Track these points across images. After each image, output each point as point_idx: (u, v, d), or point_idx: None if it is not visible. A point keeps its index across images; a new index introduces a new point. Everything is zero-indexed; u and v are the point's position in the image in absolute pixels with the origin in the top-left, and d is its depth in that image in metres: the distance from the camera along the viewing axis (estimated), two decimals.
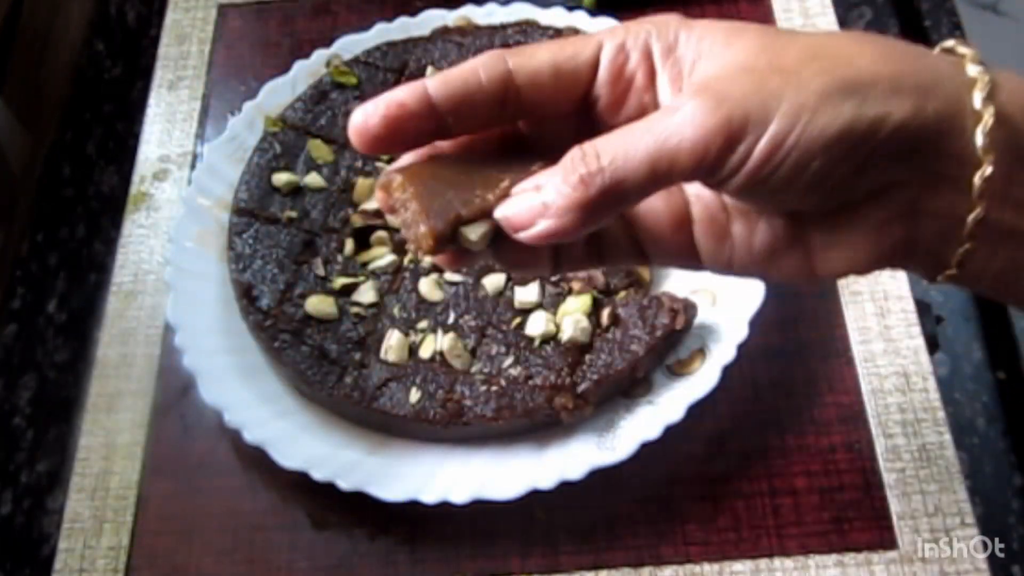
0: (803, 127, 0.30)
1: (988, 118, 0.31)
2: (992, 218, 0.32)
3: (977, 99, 0.31)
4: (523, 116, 0.35)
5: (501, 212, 0.32)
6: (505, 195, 0.32)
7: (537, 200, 0.31)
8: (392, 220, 0.33)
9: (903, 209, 0.32)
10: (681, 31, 0.33)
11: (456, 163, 0.34)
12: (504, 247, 0.33)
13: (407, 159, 0.35)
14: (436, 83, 0.33)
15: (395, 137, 0.33)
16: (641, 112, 0.34)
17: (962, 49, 0.33)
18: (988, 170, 0.31)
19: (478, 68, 0.33)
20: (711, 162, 0.30)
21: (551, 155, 0.33)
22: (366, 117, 0.33)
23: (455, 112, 0.33)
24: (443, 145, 0.35)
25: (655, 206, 0.35)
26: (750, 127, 0.30)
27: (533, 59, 0.34)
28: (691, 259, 0.36)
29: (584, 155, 0.31)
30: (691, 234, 0.35)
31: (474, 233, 0.32)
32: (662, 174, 0.30)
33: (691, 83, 0.32)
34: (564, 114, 0.35)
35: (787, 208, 0.33)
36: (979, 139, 0.31)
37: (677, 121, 0.30)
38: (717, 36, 0.33)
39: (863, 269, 0.34)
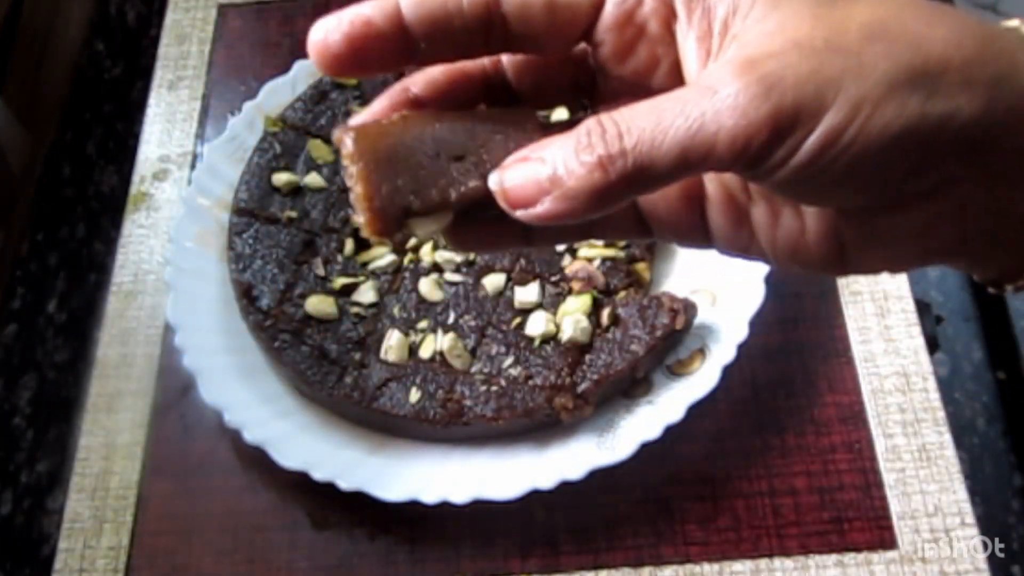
0: (862, 122, 0.26)
1: None
2: None
3: None
4: (508, 50, 0.31)
5: (498, 182, 0.28)
6: (491, 166, 0.29)
7: (543, 174, 0.27)
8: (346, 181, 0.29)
9: (955, 207, 0.29)
10: None
11: (431, 121, 0.29)
12: (463, 234, 0.30)
13: (378, 106, 0.31)
14: (410, 0, 0.29)
15: (358, 57, 0.29)
16: (652, 66, 0.30)
17: None
18: None
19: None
20: (752, 157, 0.26)
21: (544, 107, 0.30)
22: (326, 33, 0.29)
23: (429, 36, 0.29)
24: (420, 91, 0.31)
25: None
26: (802, 119, 0.26)
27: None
28: (700, 238, 0.33)
29: (605, 131, 0.27)
30: (703, 212, 0.32)
31: (424, 229, 0.29)
32: (694, 164, 0.26)
33: (734, 56, 0.27)
34: (558, 56, 0.31)
35: (828, 205, 0.30)
36: None
37: (717, 107, 0.26)
38: None
39: (903, 267, 0.31)
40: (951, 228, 0.29)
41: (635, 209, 0.32)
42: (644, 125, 0.26)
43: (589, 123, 0.27)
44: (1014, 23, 0.30)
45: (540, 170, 0.27)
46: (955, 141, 0.27)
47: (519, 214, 0.28)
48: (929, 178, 0.28)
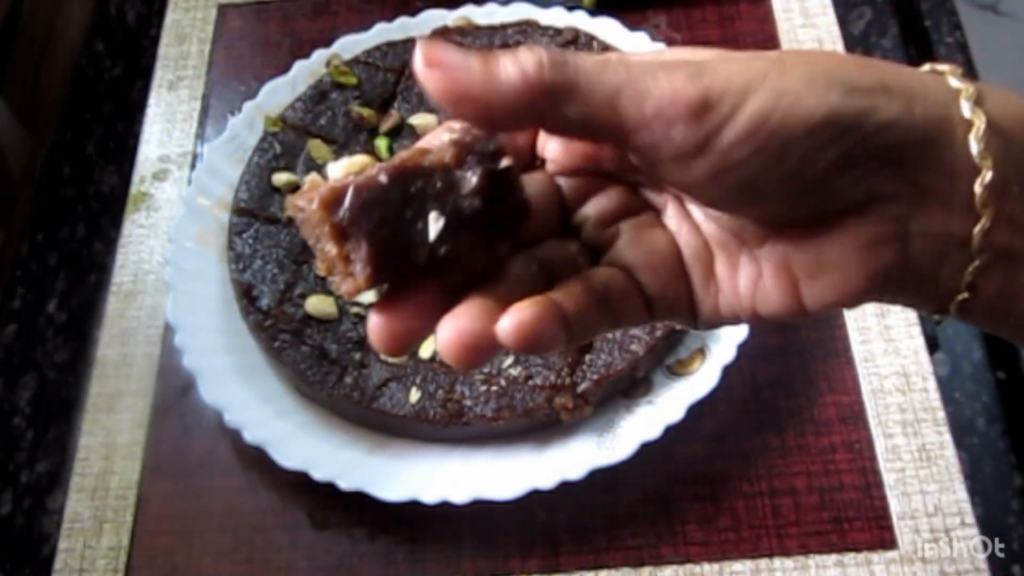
0: (786, 108, 0.28)
1: (980, 123, 0.29)
2: (989, 236, 0.30)
3: (966, 107, 0.30)
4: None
5: (425, 50, 0.28)
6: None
7: (476, 68, 0.28)
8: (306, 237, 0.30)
9: (892, 228, 0.30)
10: None
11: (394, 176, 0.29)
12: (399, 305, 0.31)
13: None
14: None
15: None
16: None
17: (942, 67, 0.31)
18: (988, 176, 0.29)
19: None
20: (682, 117, 0.28)
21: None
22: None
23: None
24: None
25: (656, 246, 0.33)
26: (728, 97, 0.28)
27: None
28: (689, 310, 0.33)
29: (553, 55, 0.28)
30: (688, 278, 0.33)
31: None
32: (621, 110, 0.28)
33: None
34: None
35: (766, 212, 0.31)
36: (974, 146, 0.29)
37: (656, 74, 0.28)
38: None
39: (854, 298, 0.31)
40: (894, 250, 0.30)
41: (640, 291, 0.33)
42: (589, 59, 0.28)
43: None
44: (927, 67, 0.32)
45: (473, 64, 0.28)
46: (876, 138, 0.28)
47: (435, 76, 0.28)
48: (855, 180, 0.29)
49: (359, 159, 0.29)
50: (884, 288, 0.31)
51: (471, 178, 0.29)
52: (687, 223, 0.33)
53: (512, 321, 0.28)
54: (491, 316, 0.29)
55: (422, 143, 0.30)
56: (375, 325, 0.30)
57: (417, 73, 0.28)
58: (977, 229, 0.30)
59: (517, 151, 0.33)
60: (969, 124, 0.29)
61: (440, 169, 0.29)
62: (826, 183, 0.29)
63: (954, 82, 0.31)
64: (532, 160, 0.34)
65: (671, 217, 0.33)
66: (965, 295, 0.31)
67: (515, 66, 0.28)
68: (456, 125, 0.30)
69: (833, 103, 0.28)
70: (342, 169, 0.30)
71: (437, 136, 0.30)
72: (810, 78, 0.28)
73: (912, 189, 0.30)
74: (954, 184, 0.30)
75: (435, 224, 0.28)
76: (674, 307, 0.33)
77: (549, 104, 0.28)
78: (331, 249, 0.28)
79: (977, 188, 0.30)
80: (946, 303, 0.32)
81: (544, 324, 0.29)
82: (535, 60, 0.28)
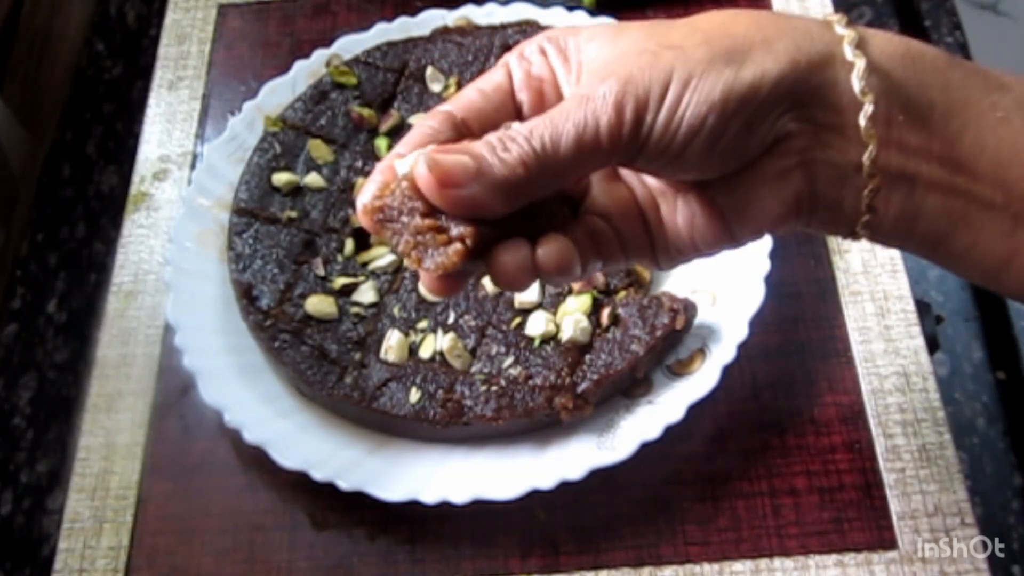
0: (692, 92, 0.34)
1: (860, 64, 0.34)
2: (880, 161, 0.35)
3: (848, 51, 0.35)
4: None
5: (429, 162, 0.33)
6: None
7: (471, 165, 0.33)
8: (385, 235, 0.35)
9: (797, 160, 0.35)
10: (569, 38, 0.38)
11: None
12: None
13: (422, 133, 0.37)
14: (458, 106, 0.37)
15: None
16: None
17: (832, 17, 0.36)
18: (869, 109, 0.34)
19: (433, 134, 0.36)
20: (626, 141, 0.34)
21: None
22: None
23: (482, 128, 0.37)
24: (462, 115, 0.38)
25: (621, 196, 0.39)
26: (652, 101, 0.34)
27: (463, 98, 0.38)
28: (651, 253, 0.40)
29: (515, 139, 0.34)
30: (648, 225, 0.39)
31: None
32: (586, 157, 0.34)
33: (593, 71, 0.36)
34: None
35: (695, 173, 0.36)
36: (855, 83, 0.34)
37: (594, 108, 0.34)
38: (605, 34, 0.37)
39: (772, 223, 0.37)
40: (801, 178, 0.36)
41: (616, 234, 0.39)
42: (544, 133, 0.34)
43: (499, 132, 0.34)
44: (831, 17, 0.36)
45: (468, 162, 0.34)
46: (771, 95, 0.34)
47: (440, 194, 0.33)
48: (761, 133, 0.35)
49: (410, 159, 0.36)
50: (798, 213, 0.37)
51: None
52: (635, 177, 0.39)
53: (547, 250, 0.35)
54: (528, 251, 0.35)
55: None
56: (494, 276, 0.36)
57: (432, 194, 0.34)
58: (866, 156, 0.35)
59: None
60: (851, 65, 0.34)
61: None
62: (738, 142, 0.35)
63: (839, 29, 0.35)
64: None
65: (624, 173, 0.39)
66: (867, 216, 0.36)
67: (501, 172, 0.34)
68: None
69: (728, 80, 0.34)
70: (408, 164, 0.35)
71: None
72: (708, 59, 0.34)
73: (810, 125, 0.35)
74: (843, 117, 0.35)
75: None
76: (641, 248, 0.39)
77: (540, 186, 0.35)
78: (421, 223, 0.33)
79: (861, 120, 0.34)
80: (853, 226, 0.37)
81: (569, 251, 0.36)
82: (516, 162, 0.34)
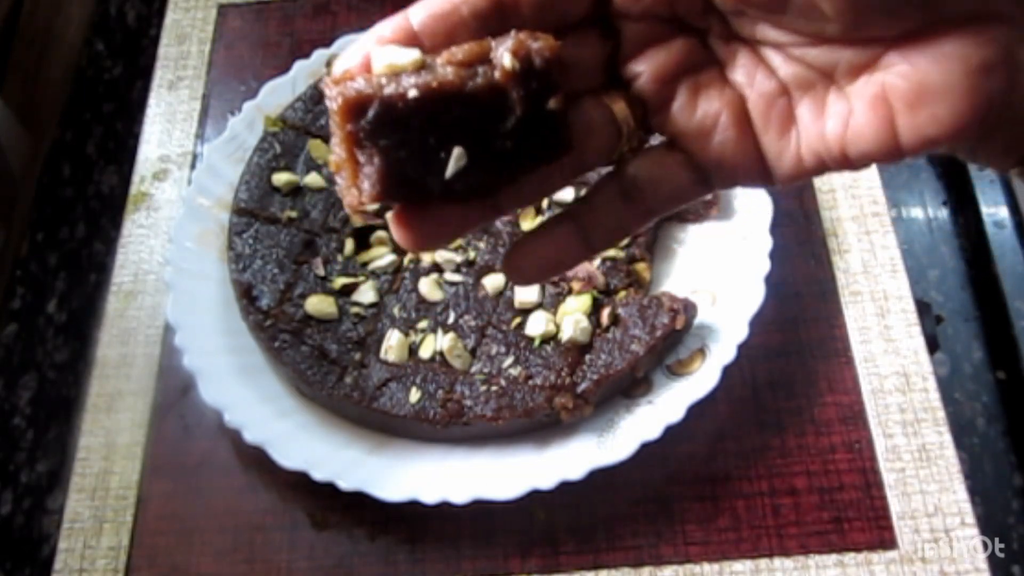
0: None
1: None
2: None
3: None
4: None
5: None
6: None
7: None
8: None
9: (1002, 54, 0.28)
10: None
11: (426, 91, 0.27)
12: (417, 219, 0.29)
13: (376, 40, 0.29)
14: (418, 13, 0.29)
15: None
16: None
17: None
18: None
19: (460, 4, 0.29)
20: None
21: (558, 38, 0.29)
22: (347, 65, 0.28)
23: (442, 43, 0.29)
24: (421, 27, 0.29)
25: (711, 110, 0.31)
26: None
27: None
28: (759, 170, 0.32)
29: None
30: (755, 137, 0.31)
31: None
32: None
33: None
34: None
35: (862, 18, 0.28)
36: None
37: None
38: None
39: (957, 132, 0.29)
40: (1002, 78, 0.28)
41: (693, 164, 0.32)
42: None
43: None
44: None
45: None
46: None
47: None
48: None
49: (409, 55, 0.27)
50: (984, 122, 0.29)
51: (510, 117, 0.27)
52: (761, 70, 0.31)
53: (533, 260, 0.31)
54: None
55: (486, 40, 0.28)
56: (395, 230, 0.29)
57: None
58: None
59: (584, 69, 0.31)
60: None
61: (482, 93, 0.27)
62: None
63: None
64: (602, 81, 0.32)
65: (741, 67, 0.31)
66: None
67: None
68: (522, 35, 0.28)
69: None
70: (386, 62, 0.27)
71: (502, 41, 0.28)
72: None
73: None
74: None
75: (456, 162, 0.27)
76: (737, 171, 0.32)
77: None
78: (342, 153, 0.27)
79: None
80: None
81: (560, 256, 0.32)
82: None
